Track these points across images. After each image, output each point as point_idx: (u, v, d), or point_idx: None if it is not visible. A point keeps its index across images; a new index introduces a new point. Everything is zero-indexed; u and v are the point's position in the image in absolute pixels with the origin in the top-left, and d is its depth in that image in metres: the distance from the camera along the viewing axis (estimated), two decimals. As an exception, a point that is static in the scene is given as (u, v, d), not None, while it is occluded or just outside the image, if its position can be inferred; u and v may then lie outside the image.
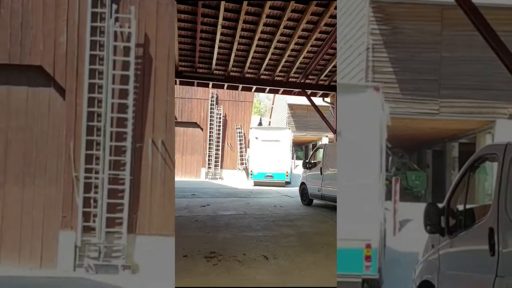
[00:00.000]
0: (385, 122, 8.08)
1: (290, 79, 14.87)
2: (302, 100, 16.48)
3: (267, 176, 22.09)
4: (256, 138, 22.56)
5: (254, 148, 22.73)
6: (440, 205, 3.95)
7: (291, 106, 28.53)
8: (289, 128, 23.71)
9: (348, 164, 5.75)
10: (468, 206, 3.79)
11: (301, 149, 35.77)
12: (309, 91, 15.39)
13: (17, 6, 6.08)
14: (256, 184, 22.64)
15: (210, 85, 16.10)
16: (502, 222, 3.13)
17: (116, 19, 6.22)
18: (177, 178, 24.73)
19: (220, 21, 10.62)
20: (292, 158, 25.75)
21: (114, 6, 6.21)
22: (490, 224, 3.21)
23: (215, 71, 14.45)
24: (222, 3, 9.71)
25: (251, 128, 24.04)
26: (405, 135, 15.12)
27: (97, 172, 6.11)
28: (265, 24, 11.05)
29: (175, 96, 25.52)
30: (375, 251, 5.53)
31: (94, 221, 6.10)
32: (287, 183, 22.80)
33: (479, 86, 12.08)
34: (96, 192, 6.12)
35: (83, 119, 6.07)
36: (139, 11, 6.29)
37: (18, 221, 6.11)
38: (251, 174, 22.53)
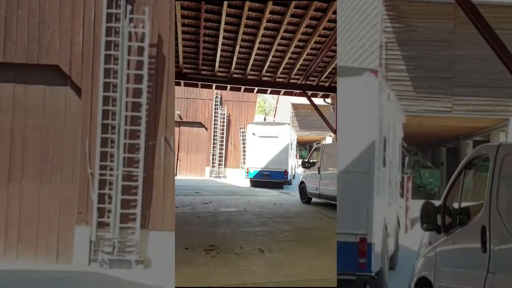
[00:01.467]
0: (400, 119, 7.66)
1: (291, 80, 14.84)
2: (305, 100, 16.22)
3: (264, 175, 19.87)
4: (253, 134, 20.49)
5: (250, 144, 20.70)
6: (437, 203, 3.95)
7: (294, 106, 27.87)
8: (289, 124, 21.55)
9: (345, 152, 5.41)
10: (463, 205, 3.78)
11: (305, 148, 35.55)
12: (309, 92, 15.37)
13: (35, 6, 6.02)
14: (252, 184, 20.60)
15: (214, 87, 16.12)
16: (493, 220, 3.20)
17: (131, 20, 6.20)
18: (182, 177, 24.88)
19: (222, 25, 10.68)
20: (296, 157, 25.23)
21: (129, 7, 6.16)
22: (482, 222, 3.27)
23: (218, 73, 14.45)
24: (225, 8, 9.74)
25: (248, 124, 21.96)
26: (418, 132, 14.92)
27: (111, 169, 6.06)
28: (266, 28, 11.06)
29: (181, 97, 25.61)
30: (371, 247, 5.12)
31: (108, 217, 6.05)
32: (287, 183, 20.89)
33: (493, 84, 11.90)
34: (110, 189, 6.07)
35: (98, 117, 6.03)
36: (152, 11, 6.30)
37: (35, 217, 6.05)
38: (247, 173, 20.36)
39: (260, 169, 19.83)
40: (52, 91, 6.12)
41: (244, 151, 25.87)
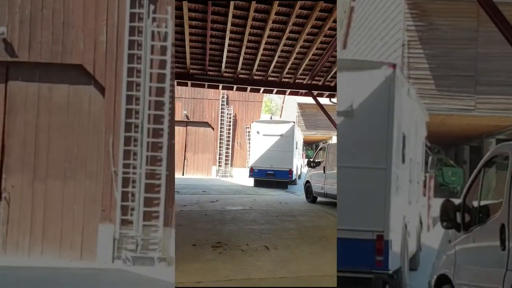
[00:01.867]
0: (422, 117, 7.53)
1: (297, 80, 14.83)
2: (312, 99, 16.21)
3: (268, 174, 19.06)
4: (258, 132, 19.71)
5: (255, 143, 19.92)
6: (456, 202, 3.95)
7: (300, 105, 27.25)
8: (294, 122, 20.72)
9: (360, 147, 5.24)
10: (483, 203, 3.77)
11: (311, 148, 35.41)
12: (315, 92, 15.33)
13: (59, 6, 6.01)
14: (256, 183, 19.74)
15: (220, 87, 16.12)
16: None
17: (154, 19, 6.21)
18: (189, 176, 24.88)
19: (229, 26, 10.71)
20: (302, 157, 24.88)
21: (152, 7, 6.17)
22: (501, 220, 3.25)
23: (224, 73, 14.44)
24: (231, 10, 9.77)
25: (252, 122, 21.18)
26: (441, 131, 14.75)
27: (134, 167, 6.05)
28: (272, 29, 11.06)
29: (188, 97, 25.62)
30: (388, 245, 5.01)
31: (131, 215, 6.03)
32: (292, 183, 20.18)
33: (516, 82, 11.73)
34: (133, 187, 6.05)
35: (121, 116, 6.02)
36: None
37: (59, 214, 6.04)
38: (251, 172, 19.63)
39: (264, 168, 19.12)
40: (76, 90, 6.12)
41: (250, 150, 25.79)
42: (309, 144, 31.39)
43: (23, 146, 6.07)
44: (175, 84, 15.98)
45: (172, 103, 6.31)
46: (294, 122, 20.46)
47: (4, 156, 6.05)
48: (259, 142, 19.53)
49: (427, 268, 6.06)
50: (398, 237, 5.46)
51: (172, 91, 6.33)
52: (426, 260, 7.00)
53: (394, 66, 5.29)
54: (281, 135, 19.25)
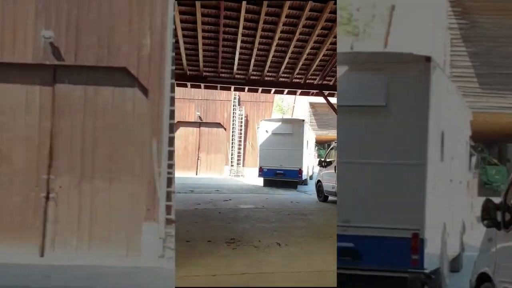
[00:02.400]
0: (465, 115, 7.28)
1: (307, 81, 14.90)
2: (323, 99, 16.22)
3: (278, 173, 18.31)
4: (266, 131, 18.90)
5: (264, 142, 19.12)
6: (497, 201, 3.97)
7: (312, 105, 26.39)
8: (304, 120, 19.88)
9: (389, 143, 5.06)
10: None
11: (324, 147, 35.13)
12: (326, 92, 15.41)
13: (104, 10, 6.07)
14: (266, 183, 19.06)
15: (232, 89, 16.36)
16: None
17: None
18: (202, 175, 24.97)
19: (241, 29, 10.94)
20: (314, 157, 23.97)
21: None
22: None
23: (236, 75, 14.61)
24: (242, 14, 10.01)
25: (261, 121, 20.34)
26: (484, 129, 14.29)
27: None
28: (282, 31, 11.25)
29: (201, 98, 25.69)
30: (423, 243, 4.84)
31: (173, 214, 6.18)
32: (302, 183, 19.30)
33: (561, 80, 11.43)
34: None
35: (165, 117, 6.11)
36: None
37: (106, 214, 6.07)
38: (260, 171, 19.01)
39: (273, 168, 18.37)
40: (121, 92, 6.17)
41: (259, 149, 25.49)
42: (321, 144, 31.22)
43: (70, 147, 6.10)
44: (189, 85, 16.28)
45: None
46: (304, 120, 19.65)
47: (52, 158, 6.09)
48: (268, 141, 18.81)
49: (470, 270, 6.17)
50: (436, 237, 5.32)
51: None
52: (470, 262, 7.02)
53: (428, 59, 5.06)
54: (291, 134, 18.42)
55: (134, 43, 6.15)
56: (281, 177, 18.28)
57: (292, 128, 18.64)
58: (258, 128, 25.18)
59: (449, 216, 6.05)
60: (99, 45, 6.10)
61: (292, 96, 31.08)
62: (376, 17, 11.98)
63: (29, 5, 6.08)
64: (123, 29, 6.13)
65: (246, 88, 15.81)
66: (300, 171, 18.03)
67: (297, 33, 11.16)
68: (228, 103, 26.01)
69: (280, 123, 19.39)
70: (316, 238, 7.63)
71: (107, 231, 6.13)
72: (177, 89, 19.09)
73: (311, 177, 21.77)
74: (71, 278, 5.46)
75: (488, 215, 3.94)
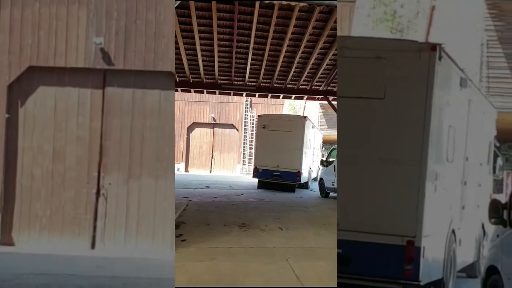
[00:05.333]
0: (489, 114, 6.56)
1: (313, 87, 15.05)
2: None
3: (274, 175, 15.27)
4: (264, 127, 15.70)
5: (260, 139, 15.96)
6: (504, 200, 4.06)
7: (322, 105, 23.73)
8: (306, 117, 16.38)
9: (384, 138, 4.31)
10: None
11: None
12: (331, 97, 15.57)
13: (151, 17, 5.94)
14: (260, 185, 15.85)
15: (244, 95, 16.68)
16: None
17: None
18: (216, 173, 24.97)
19: (252, 44, 11.42)
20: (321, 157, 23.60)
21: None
22: None
23: (248, 83, 14.86)
24: (253, 32, 10.66)
25: (259, 116, 16.91)
26: None
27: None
28: (289, 45, 11.70)
29: (215, 101, 25.68)
30: (419, 252, 4.11)
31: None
32: (303, 186, 16.61)
33: None
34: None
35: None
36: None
37: (152, 209, 5.94)
38: (255, 172, 15.77)
39: (269, 169, 15.34)
40: (167, 95, 6.09)
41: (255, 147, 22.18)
42: (331, 144, 30.92)
43: (119, 147, 5.94)
44: (205, 92, 16.70)
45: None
46: (305, 116, 16.45)
47: (102, 156, 5.99)
48: (265, 138, 15.62)
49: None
50: (440, 245, 4.57)
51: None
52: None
53: (434, 47, 4.22)
54: (289, 131, 15.23)
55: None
56: (278, 179, 15.20)
57: (292, 125, 15.43)
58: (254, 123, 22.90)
59: (461, 221, 5.28)
60: (146, 50, 6.06)
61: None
62: (420, 13, 11.82)
63: (81, 14, 6.03)
64: (169, 34, 6.11)
65: (257, 94, 16.01)
66: (298, 173, 14.98)
67: (302, 46, 11.56)
68: (241, 105, 25.96)
69: (279, 119, 16.30)
70: (312, 225, 8.24)
71: (154, 226, 6.13)
72: (193, 93, 19.31)
73: (315, 179, 18.71)
74: (120, 269, 5.44)
75: (496, 213, 4.05)
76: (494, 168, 6.98)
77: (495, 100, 9.28)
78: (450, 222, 4.84)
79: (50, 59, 5.98)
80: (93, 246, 5.97)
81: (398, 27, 13.63)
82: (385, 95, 4.32)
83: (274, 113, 23.51)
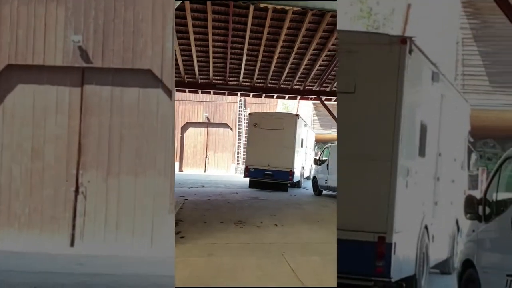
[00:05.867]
0: (462, 110, 6.43)
1: (306, 87, 15.08)
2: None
3: (266, 174, 15.02)
4: (255, 125, 15.43)
5: (251, 138, 15.68)
6: (479, 196, 4.12)
7: (315, 105, 23.69)
8: (298, 115, 16.16)
9: (355, 135, 4.21)
10: (500, 197, 3.91)
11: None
12: (324, 97, 15.71)
13: (129, 15, 5.93)
14: (252, 184, 15.61)
15: (239, 95, 16.80)
16: None
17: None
18: (210, 173, 24.91)
19: (246, 45, 11.48)
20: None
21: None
22: None
23: (242, 83, 14.90)
24: (248, 33, 10.71)
25: (250, 114, 16.65)
26: (496, 125, 13.70)
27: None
28: (282, 46, 11.77)
29: (209, 100, 25.64)
30: (390, 249, 4.05)
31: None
32: (295, 186, 16.43)
33: None
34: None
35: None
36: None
37: (131, 206, 5.87)
38: (247, 172, 15.50)
39: (261, 168, 15.09)
40: (145, 93, 5.99)
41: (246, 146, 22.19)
42: (325, 143, 30.92)
43: (97, 144, 5.87)
44: (200, 92, 16.76)
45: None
46: (297, 114, 16.19)
47: (80, 154, 5.95)
48: (256, 137, 15.34)
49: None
50: (412, 241, 4.51)
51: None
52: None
53: (404, 40, 4.12)
54: (281, 130, 15.05)
55: (158, 46, 6.03)
56: (270, 179, 14.97)
57: (283, 123, 15.18)
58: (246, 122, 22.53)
59: (434, 217, 5.22)
60: (124, 49, 5.95)
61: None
62: (396, 11, 11.87)
63: (59, 12, 5.96)
64: (147, 33, 6.02)
65: (251, 94, 16.05)
66: (290, 172, 14.78)
67: (295, 48, 11.62)
68: (235, 105, 25.92)
69: (270, 117, 16.04)
70: (305, 221, 8.37)
71: (133, 223, 6.08)
72: (187, 93, 19.36)
73: (308, 178, 18.63)
74: (100, 266, 5.42)
75: (471, 209, 4.10)
76: (468, 164, 6.88)
77: (470, 97, 9.31)
78: (422, 218, 4.78)
79: (29, 57, 5.90)
80: (72, 244, 5.90)
81: (374, 24, 13.68)
82: (355, 89, 4.24)
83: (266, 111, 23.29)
